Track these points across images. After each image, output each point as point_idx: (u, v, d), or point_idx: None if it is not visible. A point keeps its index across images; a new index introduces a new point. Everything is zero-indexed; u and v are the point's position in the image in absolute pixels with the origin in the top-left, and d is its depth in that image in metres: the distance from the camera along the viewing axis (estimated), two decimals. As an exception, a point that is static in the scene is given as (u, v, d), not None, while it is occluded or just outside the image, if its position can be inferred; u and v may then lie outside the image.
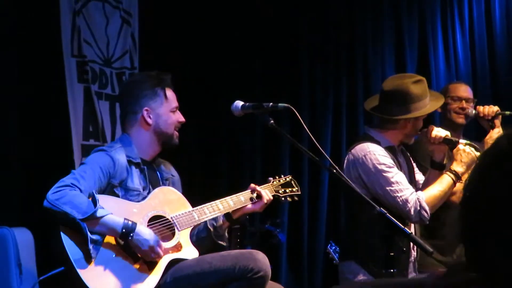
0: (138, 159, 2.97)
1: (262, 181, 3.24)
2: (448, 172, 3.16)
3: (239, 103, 2.79)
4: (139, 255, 2.78)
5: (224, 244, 3.20)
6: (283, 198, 3.21)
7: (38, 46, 4.14)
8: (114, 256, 2.74)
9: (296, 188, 3.26)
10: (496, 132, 3.65)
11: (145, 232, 2.76)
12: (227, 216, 3.07)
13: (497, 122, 3.69)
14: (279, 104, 2.71)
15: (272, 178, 3.24)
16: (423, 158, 3.47)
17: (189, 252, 2.93)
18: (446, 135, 3.19)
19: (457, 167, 3.14)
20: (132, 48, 4.79)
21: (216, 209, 3.01)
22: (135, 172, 2.95)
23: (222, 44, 5.24)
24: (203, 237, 3.06)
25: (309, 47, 5.47)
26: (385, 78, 5.42)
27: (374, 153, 3.13)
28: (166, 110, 3.04)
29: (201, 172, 5.11)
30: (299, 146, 2.71)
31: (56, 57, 4.22)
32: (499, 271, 0.94)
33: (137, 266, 2.78)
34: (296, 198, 3.27)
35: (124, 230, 2.70)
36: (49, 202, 2.67)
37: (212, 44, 5.19)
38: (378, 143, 3.18)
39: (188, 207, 3.01)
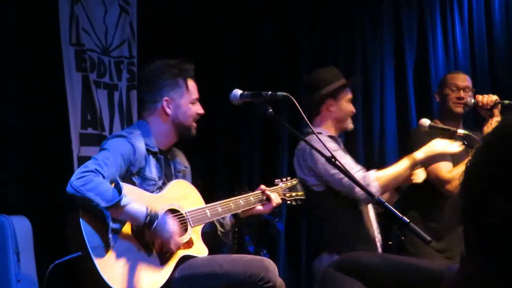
0: (156, 148, 2.92)
1: (261, 175, 3.28)
2: (407, 157, 3.16)
3: (237, 92, 2.76)
4: (156, 246, 2.75)
5: (228, 242, 3.20)
6: (288, 202, 3.23)
7: (37, 35, 4.13)
8: (129, 246, 2.70)
9: (301, 193, 3.27)
10: (495, 121, 3.63)
11: (168, 222, 2.72)
12: (235, 215, 3.06)
13: (496, 111, 3.67)
14: (278, 93, 2.70)
15: (279, 180, 3.25)
16: (417, 147, 3.48)
17: (200, 249, 2.90)
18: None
19: (418, 153, 3.14)
20: (131, 37, 4.78)
21: (227, 208, 2.97)
22: (152, 161, 2.90)
23: (222, 40, 5.21)
24: (207, 232, 3.02)
25: (309, 47, 5.45)
26: (384, 72, 5.45)
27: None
28: (186, 101, 2.97)
29: (199, 165, 5.10)
30: (297, 135, 2.71)
31: (54, 46, 4.20)
32: (500, 254, 0.91)
33: (150, 258, 2.75)
34: (300, 202, 3.26)
35: (148, 219, 2.65)
36: (73, 188, 2.58)
37: (211, 39, 5.17)
38: (320, 134, 3.22)
39: (202, 203, 2.97)
